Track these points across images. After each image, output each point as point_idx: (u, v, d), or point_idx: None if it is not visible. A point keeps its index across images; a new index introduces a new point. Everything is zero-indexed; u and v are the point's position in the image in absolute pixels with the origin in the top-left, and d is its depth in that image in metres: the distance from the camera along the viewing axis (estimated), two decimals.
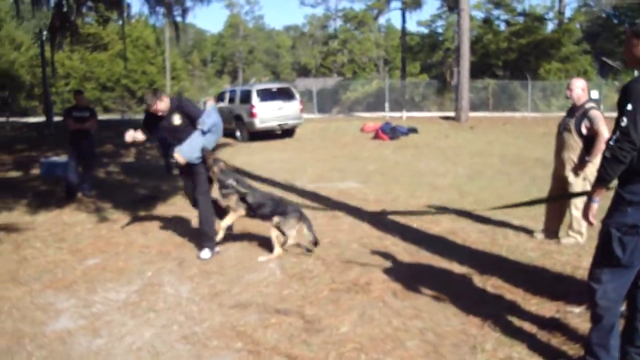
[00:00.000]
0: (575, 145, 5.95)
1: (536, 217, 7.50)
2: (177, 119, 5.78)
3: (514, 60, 31.57)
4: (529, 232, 6.63)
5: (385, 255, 5.67)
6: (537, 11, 34.84)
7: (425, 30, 47.44)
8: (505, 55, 31.98)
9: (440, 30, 47.38)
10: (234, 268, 5.43)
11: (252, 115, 18.18)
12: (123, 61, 32.12)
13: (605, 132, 5.70)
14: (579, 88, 6.01)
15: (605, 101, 23.75)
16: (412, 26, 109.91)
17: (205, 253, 5.84)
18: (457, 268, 5.21)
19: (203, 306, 4.48)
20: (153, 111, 5.78)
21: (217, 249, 5.94)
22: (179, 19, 19.17)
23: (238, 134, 19.08)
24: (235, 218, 5.79)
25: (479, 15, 35.85)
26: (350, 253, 5.81)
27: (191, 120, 5.74)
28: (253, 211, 5.77)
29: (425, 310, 4.20)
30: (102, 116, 34.77)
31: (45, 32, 26.36)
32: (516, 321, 3.95)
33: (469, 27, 22.29)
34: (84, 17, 22.84)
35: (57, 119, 23.96)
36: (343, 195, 9.30)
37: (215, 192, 6.03)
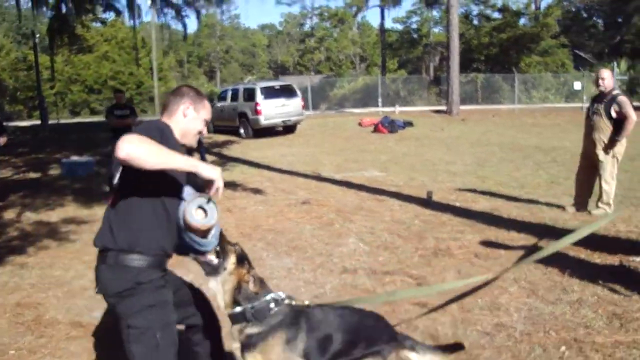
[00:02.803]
0: (605, 127, 6.82)
1: (557, 195, 8.45)
2: None
3: (496, 54, 32.87)
4: (559, 207, 7.48)
5: (449, 227, 6.48)
6: (515, 6, 36.32)
7: (399, 27, 48.73)
8: (487, 50, 33.25)
9: (414, 26, 48.69)
10: (319, 244, 6.15)
11: (256, 112, 18.82)
12: (135, 65, 32.09)
13: (633, 115, 6.62)
14: (609, 77, 6.92)
15: (585, 92, 24.89)
16: (387, 23, 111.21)
17: None
18: (516, 235, 6.04)
19: (314, 274, 5.19)
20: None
21: None
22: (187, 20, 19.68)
23: (242, 131, 19.70)
24: None
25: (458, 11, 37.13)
26: (416, 228, 6.60)
27: None
28: None
29: (509, 266, 5.00)
30: (89, 118, 35.14)
31: (38, 35, 26.64)
32: (589, 271, 4.78)
33: (457, 23, 23.27)
34: (83, 19, 23.17)
35: (50, 121, 24.20)
36: (374, 182, 10.05)
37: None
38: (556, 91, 27.74)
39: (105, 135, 17.85)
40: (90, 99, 37.52)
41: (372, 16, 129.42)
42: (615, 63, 25.07)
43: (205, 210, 2.37)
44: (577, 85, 24.20)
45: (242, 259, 2.64)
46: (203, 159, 13.20)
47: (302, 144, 17.61)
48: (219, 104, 21.36)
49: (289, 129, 20.28)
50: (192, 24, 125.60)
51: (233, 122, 20.15)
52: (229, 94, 20.88)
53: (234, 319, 2.59)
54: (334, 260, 5.53)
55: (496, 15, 36.70)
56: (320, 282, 4.95)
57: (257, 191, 9.80)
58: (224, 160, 14.63)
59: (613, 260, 5.03)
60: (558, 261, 5.03)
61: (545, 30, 32.01)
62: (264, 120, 18.97)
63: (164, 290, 2.51)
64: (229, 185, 10.60)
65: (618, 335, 3.68)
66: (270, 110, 19.00)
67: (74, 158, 13.98)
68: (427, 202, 7.95)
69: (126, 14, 19.40)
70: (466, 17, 37.10)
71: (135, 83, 37.33)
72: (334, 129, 21.39)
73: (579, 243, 5.50)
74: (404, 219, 7.05)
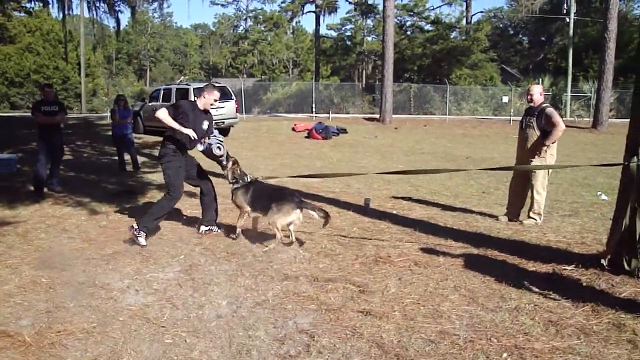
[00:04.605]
0: (537, 139, 7.08)
1: (489, 204, 8.71)
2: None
3: (428, 65, 33.74)
4: (492, 216, 7.71)
5: (388, 235, 6.53)
6: (447, 19, 37.47)
7: (334, 34, 49.23)
8: (420, 61, 34.07)
9: (348, 33, 49.31)
10: (258, 250, 6.05)
11: None
12: (63, 59, 30.38)
13: (561, 122, 6.93)
14: (538, 93, 7.21)
15: (512, 105, 25.88)
16: (321, 29, 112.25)
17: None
18: (454, 243, 6.15)
19: (255, 280, 5.08)
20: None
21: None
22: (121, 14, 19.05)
23: None
24: None
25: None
26: (356, 235, 6.62)
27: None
28: None
29: (449, 274, 5.09)
30: (9, 113, 33.31)
31: None
32: (525, 279, 4.92)
33: (393, 33, 23.69)
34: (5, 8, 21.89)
35: None
36: (310, 188, 10.02)
37: None
38: (485, 103, 28.79)
39: (28, 131, 17.05)
40: (10, 92, 35.52)
41: (306, 21, 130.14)
42: (540, 79, 26.23)
43: (219, 147, 6.42)
44: (505, 99, 25.26)
45: (235, 162, 6.48)
46: (134, 160, 12.84)
47: (235, 148, 17.35)
48: (150, 104, 20.78)
49: (222, 131, 19.92)
50: (123, 20, 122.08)
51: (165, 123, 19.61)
52: (161, 93, 20.35)
53: (233, 184, 6.45)
54: (274, 267, 5.44)
55: (429, 27, 37.69)
56: (262, 289, 4.85)
57: (191, 194, 9.55)
58: (155, 162, 14.21)
59: (547, 269, 5.20)
60: (496, 270, 5.16)
61: (476, 44, 33.18)
62: None
63: (179, 158, 6.31)
64: (163, 187, 10.29)
65: (555, 341, 3.79)
66: None
67: None
68: (364, 210, 8.00)
69: (55, 5, 18.44)
70: (400, 28, 37.90)
71: (61, 78, 35.67)
72: (268, 133, 21.30)
73: (514, 252, 5.71)
74: (342, 226, 7.06)
